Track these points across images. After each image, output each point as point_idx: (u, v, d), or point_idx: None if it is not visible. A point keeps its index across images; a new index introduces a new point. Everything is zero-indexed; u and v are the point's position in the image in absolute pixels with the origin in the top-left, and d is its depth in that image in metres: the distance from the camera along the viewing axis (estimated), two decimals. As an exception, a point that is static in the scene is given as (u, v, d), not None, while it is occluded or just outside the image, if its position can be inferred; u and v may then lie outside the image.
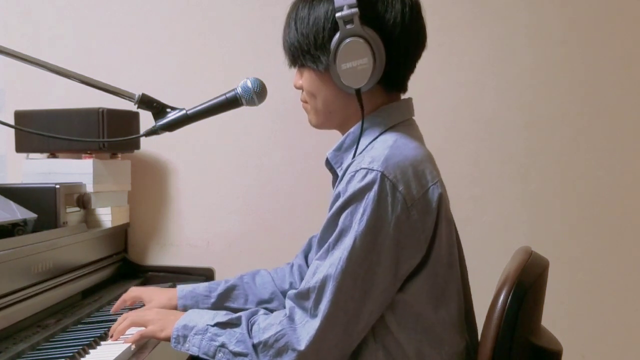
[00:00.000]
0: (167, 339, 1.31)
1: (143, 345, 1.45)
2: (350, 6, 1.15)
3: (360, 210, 1.14)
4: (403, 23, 1.21)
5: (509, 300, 1.14)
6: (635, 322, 2.21)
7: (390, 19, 1.20)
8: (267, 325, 1.21)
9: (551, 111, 2.22)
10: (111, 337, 1.42)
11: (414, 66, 1.29)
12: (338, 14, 1.16)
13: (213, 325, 1.26)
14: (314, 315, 1.17)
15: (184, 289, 1.51)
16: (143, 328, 1.36)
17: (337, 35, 1.18)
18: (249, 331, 1.22)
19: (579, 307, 2.21)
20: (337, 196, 1.18)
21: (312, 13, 1.22)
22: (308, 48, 1.23)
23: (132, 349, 1.40)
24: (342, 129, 1.31)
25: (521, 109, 2.23)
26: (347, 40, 1.17)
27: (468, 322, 1.29)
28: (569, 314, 2.18)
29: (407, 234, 1.15)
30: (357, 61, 1.17)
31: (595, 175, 2.21)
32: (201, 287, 1.52)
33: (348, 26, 1.16)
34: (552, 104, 2.22)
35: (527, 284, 1.17)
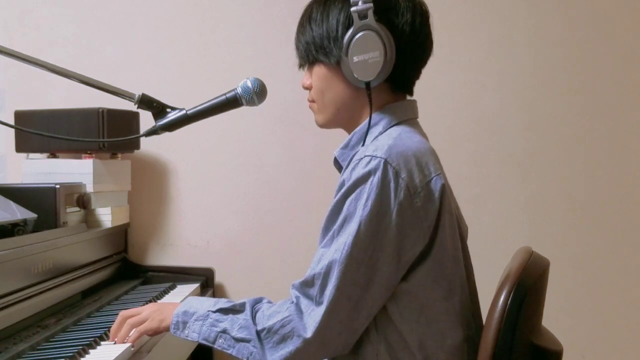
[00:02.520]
0: (168, 329, 1.30)
1: (143, 344, 1.45)
2: (365, 1, 1.20)
3: (365, 195, 1.16)
4: (413, 24, 1.25)
5: (509, 300, 1.14)
6: (635, 322, 2.21)
7: (400, 17, 1.24)
8: (272, 313, 1.21)
9: (551, 111, 2.22)
10: (114, 343, 1.41)
11: (420, 70, 1.32)
12: (353, 8, 1.20)
13: (214, 312, 1.26)
14: (319, 303, 1.18)
15: None
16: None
17: (351, 29, 1.22)
18: (253, 317, 1.22)
19: (579, 307, 2.21)
20: (342, 184, 1.20)
21: (326, 11, 1.26)
22: (321, 42, 1.26)
23: (132, 349, 1.40)
24: (348, 127, 1.33)
25: (521, 109, 2.23)
26: (361, 33, 1.21)
27: (473, 317, 1.29)
28: (569, 314, 2.18)
29: (410, 221, 1.16)
30: (368, 54, 1.21)
31: (595, 175, 2.21)
32: None
33: (362, 20, 1.20)
34: (552, 104, 2.22)
35: (528, 284, 1.17)
